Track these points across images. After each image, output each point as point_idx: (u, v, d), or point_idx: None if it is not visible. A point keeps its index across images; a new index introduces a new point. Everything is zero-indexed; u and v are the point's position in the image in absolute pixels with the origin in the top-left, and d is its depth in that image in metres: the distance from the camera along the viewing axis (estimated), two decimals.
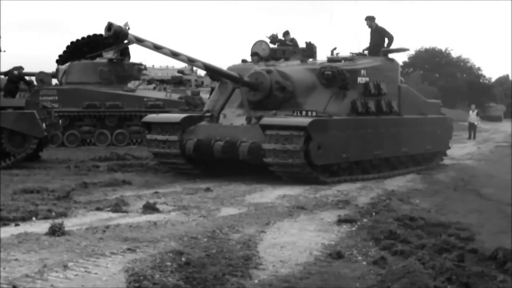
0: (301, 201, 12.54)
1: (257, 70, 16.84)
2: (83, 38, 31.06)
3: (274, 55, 18.44)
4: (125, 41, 15.22)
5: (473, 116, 39.16)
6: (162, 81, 34.61)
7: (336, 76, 16.29)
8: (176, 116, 16.89)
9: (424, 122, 19.69)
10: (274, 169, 15.07)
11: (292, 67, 17.33)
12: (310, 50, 18.59)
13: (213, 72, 17.07)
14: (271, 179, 15.07)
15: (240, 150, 15.21)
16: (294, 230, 9.68)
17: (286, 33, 19.52)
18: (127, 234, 9.06)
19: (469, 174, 18.19)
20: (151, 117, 17.35)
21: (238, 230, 9.50)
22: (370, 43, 18.67)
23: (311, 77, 16.73)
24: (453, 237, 9.04)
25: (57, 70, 29.55)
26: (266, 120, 15.19)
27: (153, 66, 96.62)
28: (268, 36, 19.14)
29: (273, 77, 16.46)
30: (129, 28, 14.80)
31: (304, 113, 15.58)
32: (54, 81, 29.09)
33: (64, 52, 31.49)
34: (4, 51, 22.37)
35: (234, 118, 16.56)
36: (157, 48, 14.92)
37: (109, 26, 13.74)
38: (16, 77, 21.93)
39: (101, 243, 8.48)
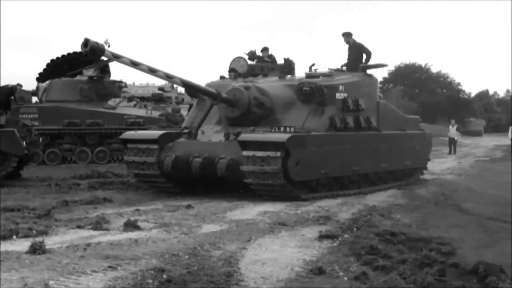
0: (282, 217, 12.55)
1: (235, 87, 16.80)
2: (63, 56, 31.02)
3: (252, 72, 18.40)
4: (103, 58, 15.21)
5: (453, 131, 39.30)
6: (142, 99, 34.46)
7: (314, 92, 16.35)
8: (154, 133, 16.79)
9: (403, 138, 19.66)
10: (255, 188, 14.99)
11: (270, 83, 17.33)
12: (288, 66, 18.50)
13: (191, 88, 16.99)
14: (252, 195, 15.05)
15: (218, 167, 15.12)
16: (276, 246, 9.67)
17: (264, 49, 19.49)
18: (108, 251, 9.04)
19: (450, 189, 18.23)
20: (129, 134, 17.28)
21: (219, 247, 9.49)
22: (348, 59, 18.63)
23: (289, 93, 16.75)
24: (434, 252, 9.07)
25: (37, 88, 29.39)
26: (244, 136, 15.10)
27: (133, 83, 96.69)
28: (246, 52, 19.16)
29: (251, 93, 16.43)
30: (109, 46, 14.83)
31: (282, 129, 15.61)
32: (35, 99, 28.95)
33: (44, 69, 31.42)
34: None
35: (212, 134, 16.54)
36: (134, 64, 14.88)
37: (86, 42, 13.74)
38: (8, 89, 21.85)
39: (82, 261, 8.45)
